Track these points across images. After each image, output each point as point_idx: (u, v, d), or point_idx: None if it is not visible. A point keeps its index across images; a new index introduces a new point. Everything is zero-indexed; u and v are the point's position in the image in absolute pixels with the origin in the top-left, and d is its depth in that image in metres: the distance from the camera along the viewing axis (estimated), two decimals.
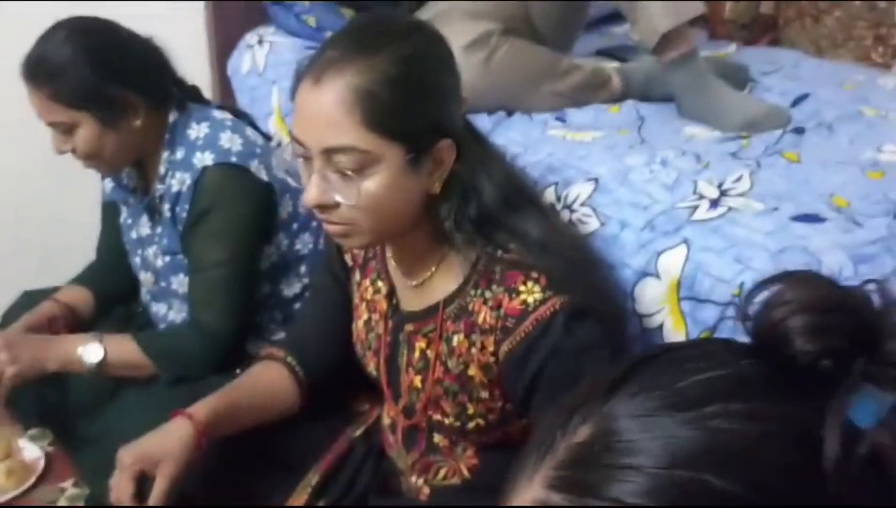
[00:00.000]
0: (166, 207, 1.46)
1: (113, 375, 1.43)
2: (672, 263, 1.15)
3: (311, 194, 0.96)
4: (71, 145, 1.40)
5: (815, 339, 0.46)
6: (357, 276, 1.20)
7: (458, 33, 1.57)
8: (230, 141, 1.44)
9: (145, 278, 1.60)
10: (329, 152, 0.94)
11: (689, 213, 1.21)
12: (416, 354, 1.09)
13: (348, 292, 1.22)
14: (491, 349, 1.01)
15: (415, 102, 0.96)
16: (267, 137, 1.65)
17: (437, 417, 1.09)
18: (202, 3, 2.13)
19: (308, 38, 2.04)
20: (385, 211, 0.98)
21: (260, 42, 2.04)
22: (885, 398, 0.45)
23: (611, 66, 1.83)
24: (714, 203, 1.23)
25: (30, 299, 1.70)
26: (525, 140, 1.49)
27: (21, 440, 1.71)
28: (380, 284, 1.16)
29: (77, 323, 1.65)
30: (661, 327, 1.17)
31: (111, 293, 1.71)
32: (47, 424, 1.69)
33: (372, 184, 0.95)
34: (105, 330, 1.57)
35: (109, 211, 1.69)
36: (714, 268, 1.11)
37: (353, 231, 0.99)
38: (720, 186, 1.26)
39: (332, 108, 0.93)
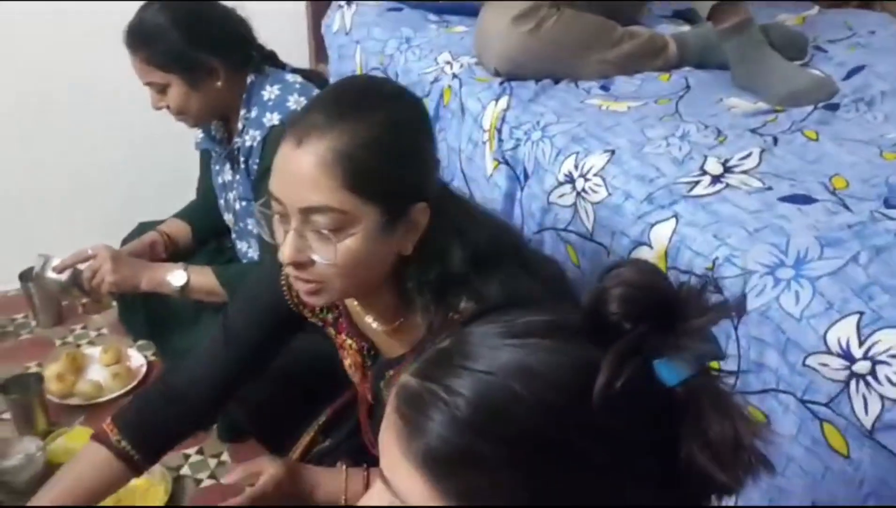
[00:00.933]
0: (241, 159, 1.68)
1: (194, 298, 1.69)
2: (662, 234, 1.25)
3: (287, 251, 0.97)
4: (165, 102, 1.64)
5: (621, 306, 0.61)
6: (332, 331, 1.24)
7: (507, 7, 1.69)
8: (296, 103, 1.63)
9: (228, 218, 1.85)
10: (307, 212, 0.95)
11: (688, 188, 1.29)
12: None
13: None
14: None
15: (393, 165, 0.97)
16: None
17: None
18: None
19: None
20: (358, 271, 0.99)
21: (348, 3, 2.21)
22: (683, 366, 0.60)
23: (669, 32, 1.87)
24: (716, 179, 1.30)
25: (143, 229, 2.00)
26: (561, 109, 1.59)
27: (130, 350, 2.03)
28: (350, 342, 1.20)
29: (177, 251, 1.93)
30: None
31: (206, 228, 1.98)
32: (152, 338, 2.00)
33: (348, 243, 0.96)
34: (200, 261, 1.84)
35: (205, 158, 1.94)
36: (695, 242, 1.20)
37: (323, 289, 1.01)
38: (726, 162, 1.33)
39: (312, 169, 0.94)
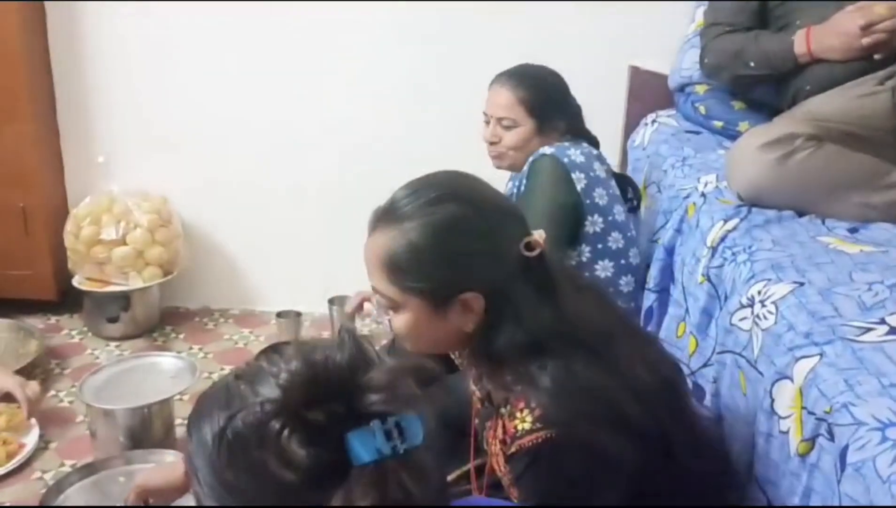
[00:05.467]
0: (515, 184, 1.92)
1: None
2: (803, 369, 1.16)
3: (375, 312, 1.23)
4: (499, 138, 1.93)
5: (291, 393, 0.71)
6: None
7: (761, 132, 1.69)
8: (574, 154, 1.83)
9: None
10: (373, 289, 1.18)
11: (857, 332, 1.18)
12: (486, 443, 1.26)
13: None
14: (501, 459, 1.16)
15: (431, 267, 1.11)
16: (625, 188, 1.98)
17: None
18: (625, 84, 2.51)
19: (693, 123, 2.27)
20: (419, 341, 1.17)
21: (653, 122, 2.33)
22: (373, 429, 0.67)
23: None
24: (893, 331, 1.17)
25: None
26: (784, 239, 1.52)
27: None
28: (475, 388, 1.32)
29: None
30: (788, 431, 1.19)
31: None
32: None
33: (398, 321, 1.15)
34: None
35: None
36: (825, 383, 1.10)
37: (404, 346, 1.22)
38: None
39: (372, 258, 1.15)
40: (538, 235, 1.17)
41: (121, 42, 2.63)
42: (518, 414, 1.08)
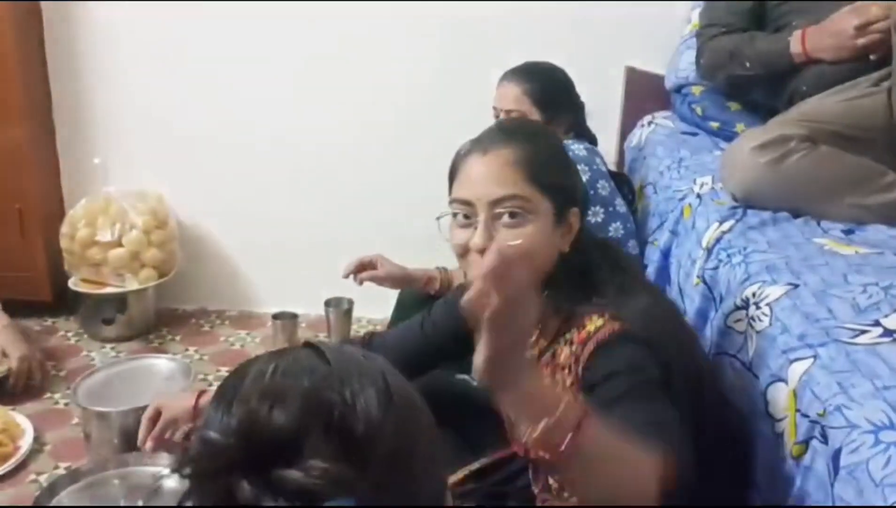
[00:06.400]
0: None
1: None
2: (797, 371, 1.16)
3: (478, 240, 1.15)
4: None
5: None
6: None
7: (753, 135, 1.70)
8: (577, 149, 1.89)
9: None
10: (496, 203, 1.15)
11: (851, 334, 1.18)
12: None
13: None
14: (569, 381, 1.17)
15: (559, 169, 1.21)
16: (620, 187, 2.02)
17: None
18: (621, 85, 2.51)
19: (690, 124, 2.27)
20: (533, 257, 1.15)
21: (650, 123, 2.33)
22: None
23: None
24: (887, 333, 1.17)
25: None
26: (779, 240, 1.52)
27: None
28: None
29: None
30: (782, 433, 1.18)
31: None
32: None
33: (530, 228, 1.15)
34: None
35: None
36: (818, 385, 1.10)
37: None
38: None
39: (501, 167, 1.16)
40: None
41: (117, 43, 2.62)
42: (587, 323, 1.12)
